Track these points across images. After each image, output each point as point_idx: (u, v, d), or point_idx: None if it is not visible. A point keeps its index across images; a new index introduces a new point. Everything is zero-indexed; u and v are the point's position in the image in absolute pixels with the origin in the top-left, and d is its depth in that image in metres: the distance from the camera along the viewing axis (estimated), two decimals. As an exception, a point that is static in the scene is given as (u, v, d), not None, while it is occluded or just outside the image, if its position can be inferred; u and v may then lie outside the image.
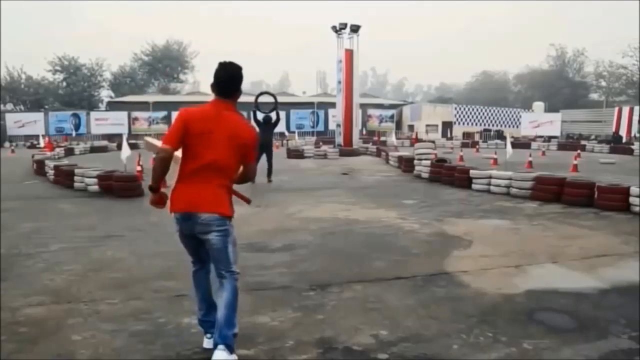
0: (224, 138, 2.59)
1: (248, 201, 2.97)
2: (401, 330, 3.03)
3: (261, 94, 12.20)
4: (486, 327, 3.07)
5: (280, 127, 32.96)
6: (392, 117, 38.85)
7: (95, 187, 9.19)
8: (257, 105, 10.97)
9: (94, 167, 10.24)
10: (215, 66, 2.67)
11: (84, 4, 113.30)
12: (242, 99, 2.86)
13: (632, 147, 22.25)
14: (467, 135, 34.60)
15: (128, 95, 42.35)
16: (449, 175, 10.35)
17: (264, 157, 10.94)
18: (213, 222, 2.57)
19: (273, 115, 10.93)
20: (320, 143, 25.30)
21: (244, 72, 2.72)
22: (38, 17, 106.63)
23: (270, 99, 11.48)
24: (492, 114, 38.60)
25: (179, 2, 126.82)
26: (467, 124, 37.59)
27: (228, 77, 2.68)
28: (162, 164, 2.53)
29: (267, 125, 10.88)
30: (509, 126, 37.36)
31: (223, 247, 2.61)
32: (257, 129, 11.36)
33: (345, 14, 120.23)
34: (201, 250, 2.72)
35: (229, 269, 2.64)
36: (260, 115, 10.82)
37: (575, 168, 13.13)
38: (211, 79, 2.67)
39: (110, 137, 30.69)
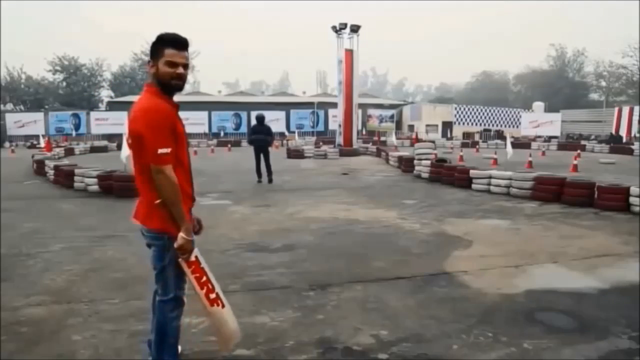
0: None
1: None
2: (401, 330, 3.03)
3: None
4: (486, 327, 3.07)
5: (281, 127, 33.21)
6: (392, 117, 38.86)
7: (96, 187, 9.20)
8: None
9: (94, 167, 10.26)
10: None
11: (84, 3, 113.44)
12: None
13: (632, 147, 22.27)
14: (467, 135, 34.65)
15: (128, 95, 42.32)
16: (449, 175, 10.35)
17: (257, 159, 10.80)
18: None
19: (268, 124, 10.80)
20: (320, 143, 25.30)
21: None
22: (38, 17, 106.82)
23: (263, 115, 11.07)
24: (492, 114, 38.62)
25: (179, 2, 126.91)
26: (467, 124, 37.61)
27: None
28: None
29: (261, 126, 10.70)
30: (509, 126, 37.38)
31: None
32: (252, 132, 11.20)
33: (345, 14, 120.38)
34: None
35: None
36: (254, 121, 10.72)
37: (575, 168, 13.14)
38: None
39: (110, 137, 30.69)
